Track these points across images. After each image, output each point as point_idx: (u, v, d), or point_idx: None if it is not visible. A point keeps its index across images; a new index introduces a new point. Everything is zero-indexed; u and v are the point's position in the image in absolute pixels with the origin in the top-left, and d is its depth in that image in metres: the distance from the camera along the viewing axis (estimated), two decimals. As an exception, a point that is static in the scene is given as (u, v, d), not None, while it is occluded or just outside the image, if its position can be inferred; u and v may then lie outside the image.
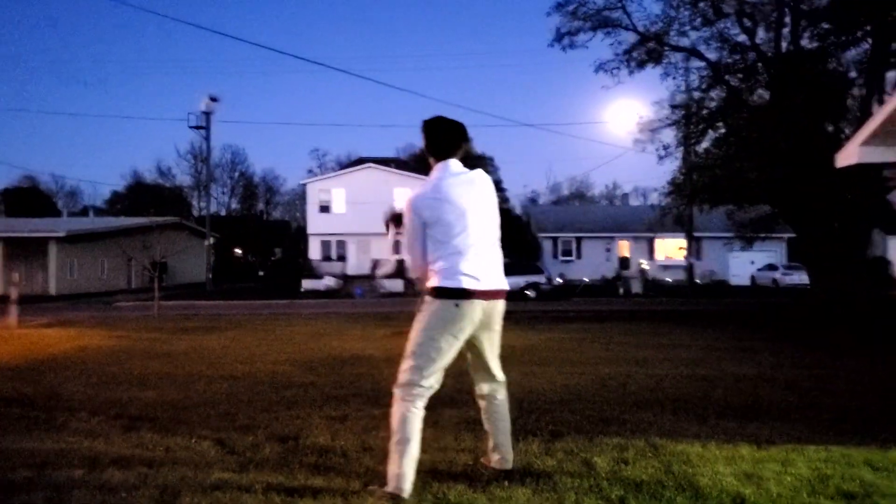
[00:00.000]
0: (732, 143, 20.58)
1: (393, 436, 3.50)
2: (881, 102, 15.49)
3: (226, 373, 8.21)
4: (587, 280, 39.10)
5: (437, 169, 3.66)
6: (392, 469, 3.46)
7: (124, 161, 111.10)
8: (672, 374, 7.93)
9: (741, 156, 19.56)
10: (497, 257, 3.68)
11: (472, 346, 3.70)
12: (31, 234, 35.06)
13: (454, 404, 5.34)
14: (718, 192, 21.55)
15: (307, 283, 35.07)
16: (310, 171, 64.50)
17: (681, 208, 27.54)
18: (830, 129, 18.71)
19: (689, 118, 21.92)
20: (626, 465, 4.08)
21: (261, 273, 55.89)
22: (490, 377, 3.82)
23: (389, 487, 3.44)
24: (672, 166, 29.72)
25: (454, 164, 3.67)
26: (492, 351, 3.76)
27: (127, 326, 16.08)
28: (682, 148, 22.88)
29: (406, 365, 3.54)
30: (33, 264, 35.05)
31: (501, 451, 3.87)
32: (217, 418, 5.47)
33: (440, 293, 3.49)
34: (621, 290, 32.70)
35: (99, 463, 4.05)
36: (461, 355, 3.70)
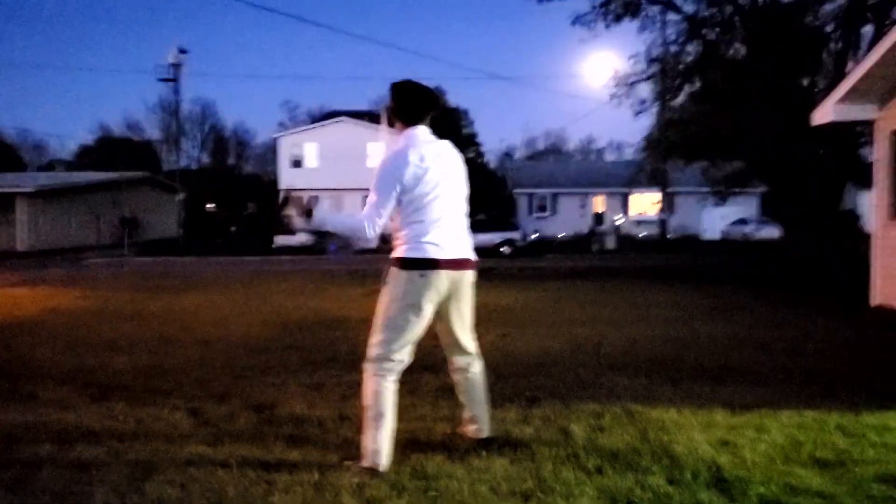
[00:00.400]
0: (708, 99, 20.56)
1: (367, 411, 3.46)
2: (857, 58, 15.49)
3: (199, 336, 8.12)
4: (560, 236, 39.24)
5: (407, 136, 3.50)
6: (368, 444, 3.42)
7: (92, 114, 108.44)
8: (645, 334, 7.98)
9: (717, 111, 19.56)
10: (464, 228, 3.61)
11: (441, 318, 3.61)
12: (-3, 189, 34.33)
13: (431, 370, 5.30)
14: (693, 148, 21.59)
15: (280, 239, 34.80)
16: (281, 125, 63.61)
17: (655, 165, 27.64)
18: (806, 83, 18.71)
19: (665, 72, 21.83)
20: (602, 432, 4.09)
21: (233, 228, 55.33)
22: (462, 351, 3.75)
23: (366, 462, 3.40)
24: (648, 122, 29.76)
25: (423, 131, 3.54)
26: (462, 324, 3.68)
27: (98, 286, 15.88)
28: (658, 103, 22.85)
29: (376, 339, 3.47)
30: (0, 220, 34.39)
31: (477, 421, 3.84)
32: (190, 386, 5.39)
33: (406, 264, 3.41)
34: (595, 247, 32.90)
35: (69, 437, 3.97)
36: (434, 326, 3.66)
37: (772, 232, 32.53)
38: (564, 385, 5.29)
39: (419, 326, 3.48)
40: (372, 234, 3.40)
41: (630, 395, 4.99)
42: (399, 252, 3.44)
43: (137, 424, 4.30)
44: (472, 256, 3.63)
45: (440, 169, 3.48)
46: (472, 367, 3.79)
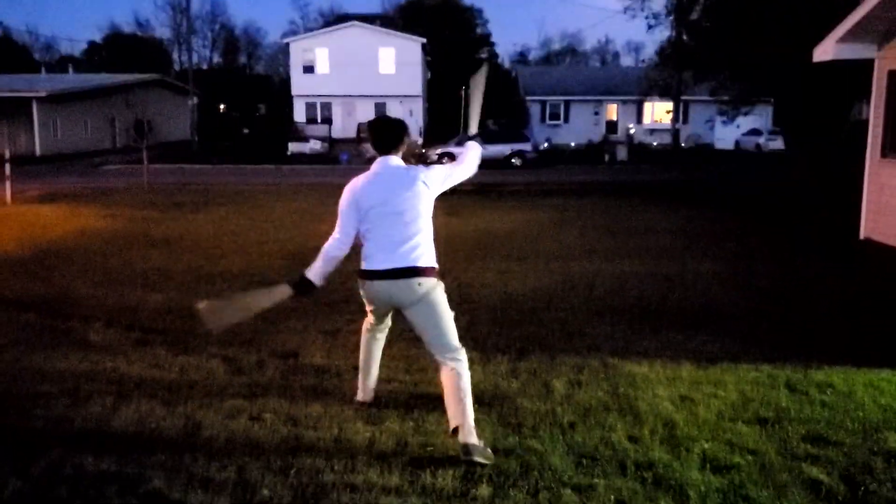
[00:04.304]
0: (721, 13, 20.41)
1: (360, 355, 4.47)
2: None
3: (223, 268, 8.78)
4: (573, 145, 39.32)
5: (377, 163, 3.99)
6: (358, 381, 4.50)
7: (100, 10, 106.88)
8: (637, 271, 8.58)
9: (729, 27, 19.48)
10: (414, 239, 3.83)
11: (409, 321, 4.00)
12: (12, 93, 34.54)
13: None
14: (705, 64, 21.54)
15: (293, 147, 35.20)
16: (292, 23, 62.68)
17: (668, 79, 27.54)
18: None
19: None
20: (579, 387, 4.73)
21: (245, 130, 55.53)
22: (432, 353, 3.92)
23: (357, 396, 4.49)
24: (661, 36, 29.31)
25: (393, 159, 3.97)
26: (424, 330, 3.88)
27: (119, 201, 16.52)
28: (671, 18, 22.70)
29: None
30: (16, 124, 34.73)
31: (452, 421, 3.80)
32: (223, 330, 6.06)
33: (358, 275, 3.98)
34: (606, 157, 33.06)
35: (125, 387, 4.67)
36: None
37: (784, 144, 32.55)
38: (553, 334, 5.93)
39: (378, 317, 4.26)
40: (340, 238, 3.99)
41: (610, 346, 5.63)
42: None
43: (181, 373, 4.99)
44: (414, 264, 3.80)
45: (389, 192, 3.87)
46: (441, 372, 3.88)
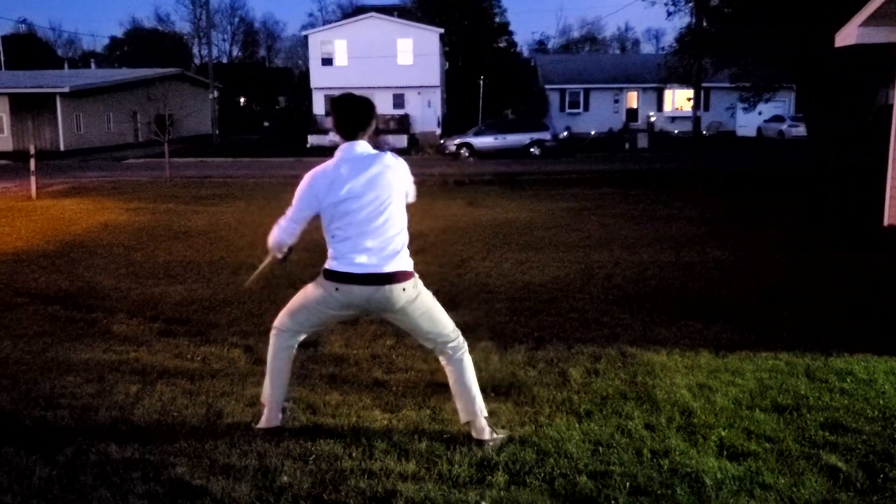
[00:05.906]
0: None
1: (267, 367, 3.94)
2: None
3: (245, 259, 8.86)
4: (593, 133, 39.10)
5: (341, 149, 3.61)
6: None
7: (121, 6, 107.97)
8: (657, 260, 8.55)
9: (750, 14, 19.29)
10: (394, 240, 3.60)
11: (396, 324, 3.84)
12: (37, 89, 34.95)
13: (449, 308, 5.95)
14: (726, 50, 21.35)
15: (312, 139, 35.41)
16: (310, 16, 62.81)
17: (688, 66, 27.30)
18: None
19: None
20: (596, 376, 4.74)
21: (266, 123, 55.84)
22: (431, 347, 3.87)
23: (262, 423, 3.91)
24: (681, 22, 29.00)
25: (360, 145, 3.60)
26: (419, 330, 3.77)
27: (142, 195, 16.70)
28: (691, 4, 22.48)
29: (284, 310, 3.92)
30: (41, 120, 35.17)
31: (462, 414, 3.83)
32: (244, 320, 6.15)
33: (326, 275, 3.65)
34: (627, 145, 32.85)
35: (148, 376, 4.75)
36: None
37: (806, 130, 32.16)
38: (570, 323, 5.94)
39: (315, 322, 3.88)
40: (285, 235, 3.76)
41: (629, 335, 5.63)
42: (326, 263, 3.67)
43: (203, 363, 5.06)
44: (397, 268, 3.58)
45: (366, 183, 3.53)
46: (445, 357, 3.86)
